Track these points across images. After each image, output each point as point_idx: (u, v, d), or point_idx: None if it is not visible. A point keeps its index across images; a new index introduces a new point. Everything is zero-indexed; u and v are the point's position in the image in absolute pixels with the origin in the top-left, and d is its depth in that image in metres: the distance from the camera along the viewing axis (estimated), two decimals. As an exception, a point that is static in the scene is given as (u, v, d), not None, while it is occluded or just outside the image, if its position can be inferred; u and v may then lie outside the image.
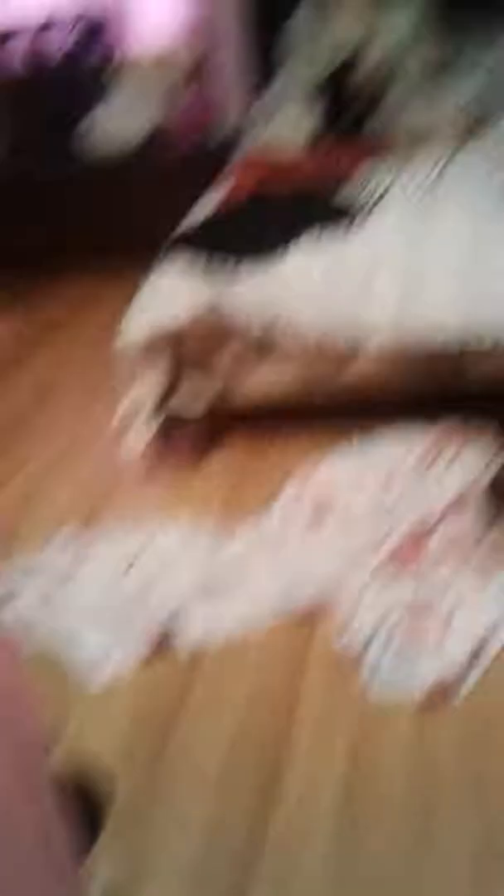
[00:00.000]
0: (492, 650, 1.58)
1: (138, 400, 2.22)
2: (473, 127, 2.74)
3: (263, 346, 2.18)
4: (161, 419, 2.28)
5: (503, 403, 2.22)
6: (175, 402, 2.32)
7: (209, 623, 1.77)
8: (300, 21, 2.97)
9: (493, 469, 1.96)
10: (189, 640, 1.74)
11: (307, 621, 1.75)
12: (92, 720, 1.60)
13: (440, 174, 2.27)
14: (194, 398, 2.31)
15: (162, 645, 1.74)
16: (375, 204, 2.11)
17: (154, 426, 2.27)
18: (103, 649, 1.71)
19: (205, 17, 3.85)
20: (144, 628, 1.74)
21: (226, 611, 1.79)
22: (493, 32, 3.03)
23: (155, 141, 3.79)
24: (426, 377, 2.12)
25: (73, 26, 3.94)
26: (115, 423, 2.29)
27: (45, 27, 3.91)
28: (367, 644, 1.61)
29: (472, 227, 1.99)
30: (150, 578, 1.90)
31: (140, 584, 1.88)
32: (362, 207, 2.11)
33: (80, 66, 3.96)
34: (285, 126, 2.89)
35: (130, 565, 1.95)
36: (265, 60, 3.53)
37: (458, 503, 1.87)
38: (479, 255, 1.94)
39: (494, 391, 2.12)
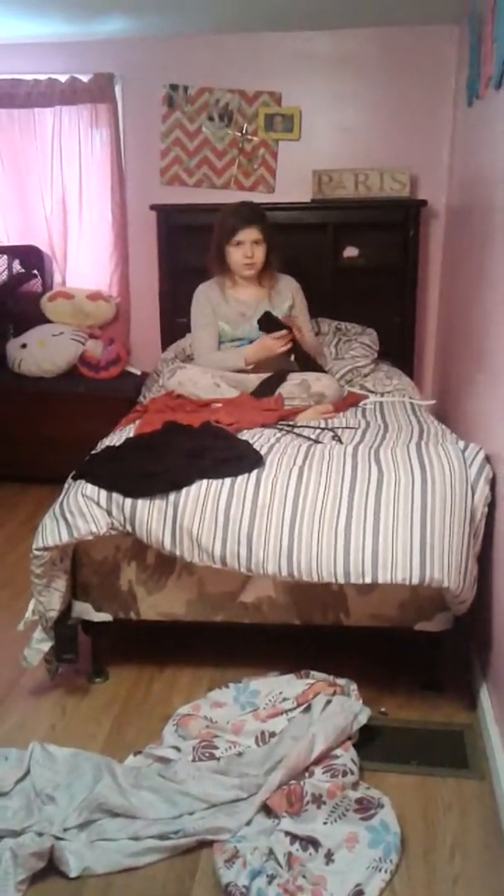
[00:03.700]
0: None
1: (44, 606, 2.30)
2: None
3: (167, 562, 2.35)
4: (61, 630, 2.36)
5: (380, 643, 2.47)
6: (76, 615, 2.42)
7: (93, 853, 1.78)
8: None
9: (364, 716, 2.14)
10: (71, 869, 1.74)
11: (192, 855, 1.79)
12: None
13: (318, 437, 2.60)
14: (95, 612, 2.42)
15: (43, 873, 1.74)
16: (267, 453, 2.38)
17: (53, 636, 2.35)
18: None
19: (125, 271, 4.38)
20: (26, 855, 1.73)
21: (109, 841, 1.81)
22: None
23: (74, 371, 4.13)
24: (314, 606, 2.34)
25: (13, 256, 4.36)
26: (20, 626, 2.36)
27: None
28: (250, 883, 1.66)
29: (342, 489, 2.21)
30: (33, 803, 1.91)
31: (24, 807, 1.90)
32: (255, 455, 2.35)
33: (15, 293, 4.35)
34: (193, 374, 3.21)
35: (13, 787, 1.97)
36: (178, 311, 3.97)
37: (331, 749, 2.02)
38: (354, 505, 2.16)
39: (373, 628, 2.34)
